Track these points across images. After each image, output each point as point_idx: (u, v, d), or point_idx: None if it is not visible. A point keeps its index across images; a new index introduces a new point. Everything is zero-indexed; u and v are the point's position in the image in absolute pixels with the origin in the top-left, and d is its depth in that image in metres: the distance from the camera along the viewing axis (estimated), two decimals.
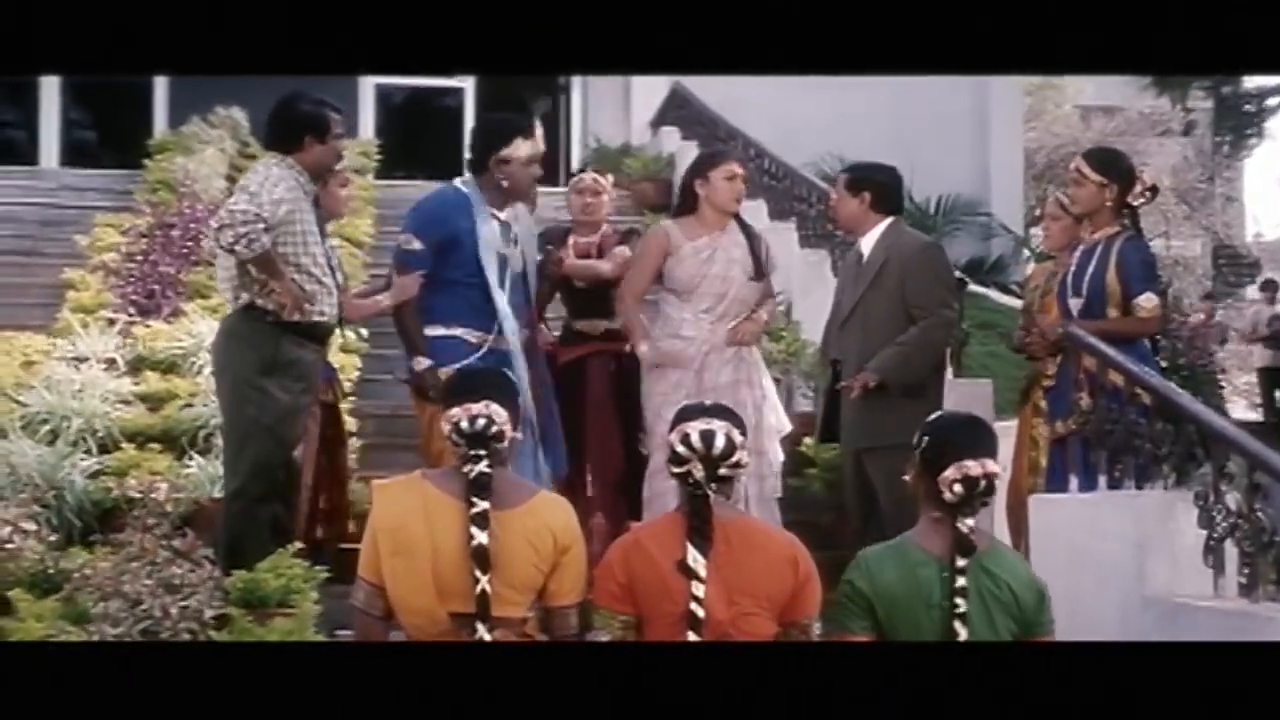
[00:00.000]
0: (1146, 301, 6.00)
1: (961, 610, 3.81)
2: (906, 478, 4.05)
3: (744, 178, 6.66)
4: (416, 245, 5.99)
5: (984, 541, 3.97)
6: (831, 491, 7.30)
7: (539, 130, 6.12)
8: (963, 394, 7.19)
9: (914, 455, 4.03)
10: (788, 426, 6.66)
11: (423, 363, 5.93)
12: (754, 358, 6.58)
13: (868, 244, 6.54)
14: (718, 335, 6.41)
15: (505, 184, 6.01)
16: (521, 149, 6.01)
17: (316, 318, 5.70)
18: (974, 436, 4.00)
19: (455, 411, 4.02)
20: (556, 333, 7.12)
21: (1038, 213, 17.98)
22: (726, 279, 6.45)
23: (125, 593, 4.77)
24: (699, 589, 3.85)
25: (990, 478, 3.91)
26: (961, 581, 3.82)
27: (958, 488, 3.87)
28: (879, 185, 6.56)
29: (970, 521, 3.89)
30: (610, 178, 7.43)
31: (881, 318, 6.35)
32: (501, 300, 5.95)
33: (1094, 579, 5.48)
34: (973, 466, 3.88)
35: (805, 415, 7.85)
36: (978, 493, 3.89)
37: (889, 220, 6.53)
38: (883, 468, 6.21)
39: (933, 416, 4.19)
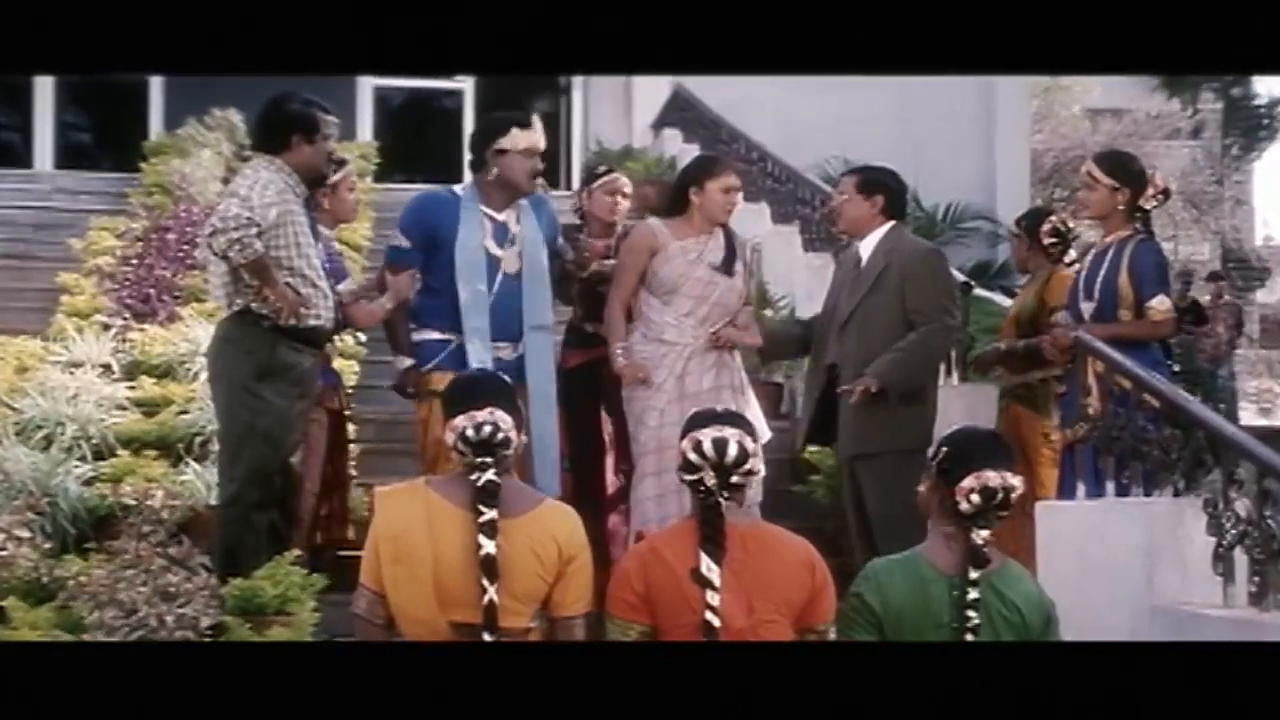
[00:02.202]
0: (1159, 304, 5.99)
1: (972, 623, 3.76)
2: (921, 488, 3.99)
3: (739, 189, 6.59)
4: (404, 243, 6.12)
5: (996, 559, 3.91)
6: (835, 498, 7.24)
7: (538, 125, 6.12)
8: (968, 398, 7.14)
9: (929, 466, 3.97)
10: (767, 434, 6.57)
11: (405, 362, 6.07)
12: (735, 363, 6.51)
13: (867, 248, 6.47)
14: (699, 340, 6.35)
15: (501, 175, 6.03)
16: (519, 140, 6.05)
17: (313, 322, 5.65)
18: (994, 450, 3.95)
19: (459, 420, 3.96)
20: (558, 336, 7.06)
21: None
22: (710, 283, 6.38)
23: (120, 601, 4.75)
24: (714, 598, 3.81)
25: (1009, 491, 3.85)
26: (973, 594, 3.77)
27: (975, 497, 3.82)
28: (891, 190, 6.51)
29: (984, 534, 3.83)
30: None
31: (881, 323, 6.29)
32: (474, 305, 5.94)
33: (1102, 587, 5.43)
34: (992, 477, 3.83)
35: None
36: (994, 504, 3.83)
37: (890, 225, 6.46)
38: (875, 474, 6.18)
39: (951, 429, 4.13)
